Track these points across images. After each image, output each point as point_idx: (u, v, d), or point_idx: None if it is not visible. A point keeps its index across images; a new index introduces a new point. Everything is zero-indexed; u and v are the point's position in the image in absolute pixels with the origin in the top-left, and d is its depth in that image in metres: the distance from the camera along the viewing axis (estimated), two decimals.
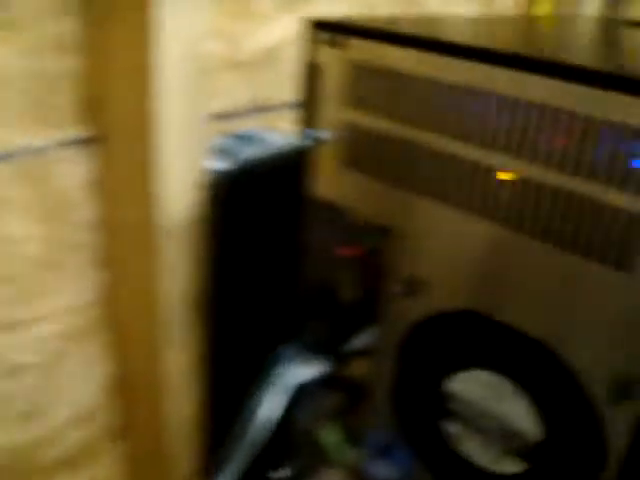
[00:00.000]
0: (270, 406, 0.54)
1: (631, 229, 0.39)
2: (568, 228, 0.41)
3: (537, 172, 0.42)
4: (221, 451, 0.54)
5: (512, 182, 0.43)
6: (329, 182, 0.54)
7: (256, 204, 0.66)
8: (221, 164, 0.66)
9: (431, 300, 0.49)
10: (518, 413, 0.47)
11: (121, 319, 0.74)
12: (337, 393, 0.61)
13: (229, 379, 0.65)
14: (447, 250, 0.48)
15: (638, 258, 0.39)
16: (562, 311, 0.43)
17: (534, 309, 0.44)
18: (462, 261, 0.47)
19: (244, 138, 0.70)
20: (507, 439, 0.48)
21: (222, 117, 0.71)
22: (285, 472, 0.65)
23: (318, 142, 0.53)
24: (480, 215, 0.45)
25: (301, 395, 0.63)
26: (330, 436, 0.61)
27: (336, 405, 0.62)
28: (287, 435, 0.65)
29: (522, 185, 0.43)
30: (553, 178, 0.41)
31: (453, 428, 0.51)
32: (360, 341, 0.58)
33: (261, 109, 0.75)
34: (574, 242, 0.41)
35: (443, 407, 0.51)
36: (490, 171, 0.44)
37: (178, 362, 0.72)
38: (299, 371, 0.57)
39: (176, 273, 0.67)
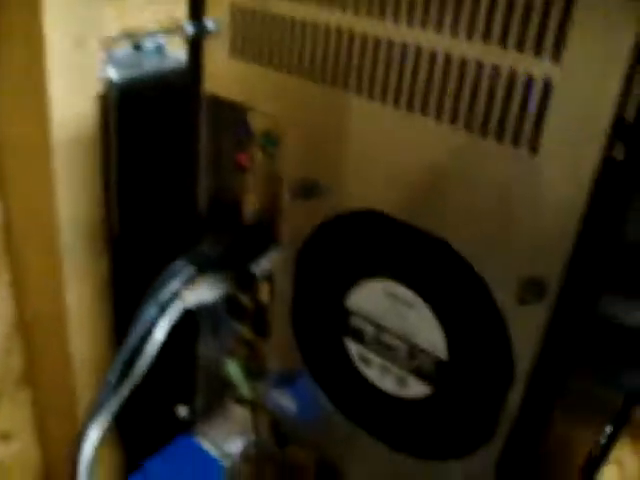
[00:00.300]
0: (163, 330, 0.48)
1: (544, 102, 0.33)
2: (478, 107, 0.36)
3: (442, 42, 0.36)
4: (105, 382, 0.48)
5: (413, 58, 0.38)
6: (222, 78, 0.48)
7: (154, 115, 0.61)
8: (119, 75, 0.61)
9: (328, 203, 0.44)
10: (422, 328, 0.42)
11: (17, 251, 0.68)
12: (241, 321, 0.56)
13: (132, 309, 0.59)
14: (344, 146, 0.42)
15: (549, 140, 0.34)
16: (470, 207, 0.38)
17: (439, 206, 0.39)
18: (361, 156, 0.41)
19: (146, 51, 0.64)
20: (412, 358, 0.43)
21: (128, 34, 0.65)
22: (190, 407, 0.60)
23: (207, 32, 0.47)
24: (379, 101, 0.39)
25: (201, 320, 0.57)
26: (233, 368, 0.55)
27: (240, 335, 0.56)
28: (190, 367, 0.60)
29: (428, 62, 0.37)
30: (462, 49, 0.35)
31: (356, 349, 0.46)
32: (267, 262, 0.52)
33: (171, 30, 0.70)
34: (485, 123, 0.36)
35: (345, 326, 0.46)
36: (391, 48, 0.38)
37: (81, 295, 0.67)
38: (197, 292, 0.51)
39: (73, 192, 0.62)
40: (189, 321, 0.58)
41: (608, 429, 0.81)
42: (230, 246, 0.52)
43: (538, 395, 0.38)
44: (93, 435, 0.47)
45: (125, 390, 0.48)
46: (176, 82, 0.59)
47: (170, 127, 0.58)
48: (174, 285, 0.48)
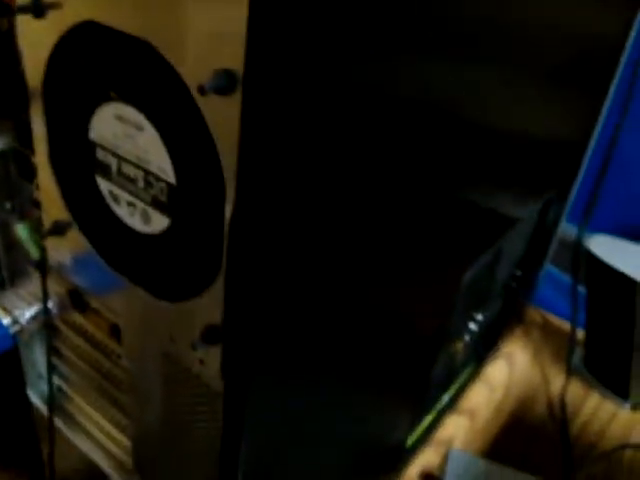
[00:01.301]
0: None
1: None
2: None
3: None
4: None
5: None
6: None
7: None
8: None
9: (55, 21, 0.40)
10: (152, 152, 0.38)
11: None
12: (30, 181, 0.52)
13: None
14: None
15: None
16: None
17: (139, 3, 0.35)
18: None
19: None
20: (148, 187, 0.40)
21: None
22: None
23: None
24: None
25: None
26: (22, 231, 0.52)
27: (31, 195, 0.53)
28: None
29: None
30: None
31: (106, 186, 0.43)
32: None
33: None
34: None
35: (93, 162, 0.43)
36: None
37: None
38: None
39: None
40: None
41: (480, 317, 0.78)
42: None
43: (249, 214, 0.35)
44: None
45: None
46: None
47: None
48: None
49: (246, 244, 0.36)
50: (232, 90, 0.32)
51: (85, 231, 0.46)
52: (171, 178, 0.38)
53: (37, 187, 0.51)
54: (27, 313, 0.52)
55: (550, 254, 0.95)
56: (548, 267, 0.96)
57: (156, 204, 0.40)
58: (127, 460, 0.57)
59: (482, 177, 0.62)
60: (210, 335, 0.40)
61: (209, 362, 0.41)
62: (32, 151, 0.50)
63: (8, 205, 0.55)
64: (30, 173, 0.52)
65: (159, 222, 0.40)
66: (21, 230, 0.52)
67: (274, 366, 0.43)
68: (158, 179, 0.39)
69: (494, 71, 0.53)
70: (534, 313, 0.99)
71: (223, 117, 0.33)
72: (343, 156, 0.39)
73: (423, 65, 0.43)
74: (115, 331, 0.51)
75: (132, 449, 0.56)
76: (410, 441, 0.78)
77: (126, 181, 0.41)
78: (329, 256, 0.43)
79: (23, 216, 0.54)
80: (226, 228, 0.36)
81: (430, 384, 0.72)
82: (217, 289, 0.39)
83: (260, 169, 0.34)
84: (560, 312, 0.97)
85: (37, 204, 0.52)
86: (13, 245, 0.56)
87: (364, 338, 0.54)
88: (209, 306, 0.40)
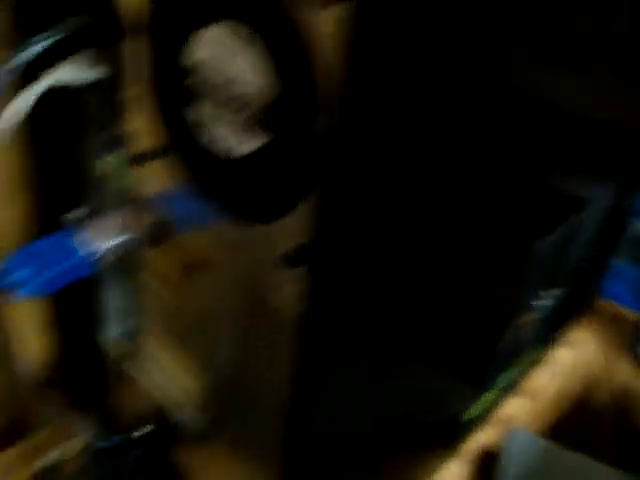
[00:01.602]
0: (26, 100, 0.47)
1: None
2: None
3: None
4: None
5: None
6: None
7: None
8: None
9: None
10: (253, 72, 0.39)
11: None
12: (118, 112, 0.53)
13: None
14: None
15: None
16: None
17: None
18: None
19: None
20: (246, 108, 0.40)
21: None
22: (80, 211, 0.58)
23: None
24: None
25: (88, 125, 0.56)
26: (116, 159, 0.54)
27: (121, 128, 0.54)
28: (75, 172, 0.58)
29: None
30: None
31: (201, 110, 0.43)
32: None
33: None
34: None
35: (187, 90, 0.43)
36: None
37: None
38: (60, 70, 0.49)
39: None
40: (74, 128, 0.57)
41: (549, 295, 0.76)
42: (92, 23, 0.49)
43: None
44: None
45: None
46: None
47: None
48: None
49: (340, 162, 0.36)
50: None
51: (175, 160, 0.47)
52: (269, 96, 0.38)
53: (129, 119, 0.52)
54: (107, 244, 0.53)
55: (623, 245, 0.93)
56: (619, 260, 0.93)
57: (253, 122, 0.40)
58: (195, 401, 0.58)
59: (559, 158, 0.61)
60: (293, 258, 0.40)
61: (289, 287, 0.42)
62: (126, 82, 0.51)
63: (101, 136, 0.56)
64: (122, 105, 0.53)
65: (254, 141, 0.41)
66: (111, 161, 0.53)
67: (349, 300, 0.43)
68: (255, 98, 0.39)
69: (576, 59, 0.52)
70: (605, 303, 0.96)
71: (325, 32, 0.34)
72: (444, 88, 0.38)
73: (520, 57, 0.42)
74: (189, 270, 0.52)
75: (202, 389, 0.56)
76: (469, 416, 0.77)
77: (224, 103, 0.42)
78: (413, 192, 0.42)
79: (114, 149, 0.55)
80: (320, 144, 0.36)
81: (495, 357, 0.70)
82: (303, 211, 0.39)
83: (362, 83, 0.34)
84: (631, 305, 0.94)
85: (128, 137, 0.53)
86: (101, 178, 0.57)
87: (433, 296, 0.54)
88: (293, 229, 0.40)
